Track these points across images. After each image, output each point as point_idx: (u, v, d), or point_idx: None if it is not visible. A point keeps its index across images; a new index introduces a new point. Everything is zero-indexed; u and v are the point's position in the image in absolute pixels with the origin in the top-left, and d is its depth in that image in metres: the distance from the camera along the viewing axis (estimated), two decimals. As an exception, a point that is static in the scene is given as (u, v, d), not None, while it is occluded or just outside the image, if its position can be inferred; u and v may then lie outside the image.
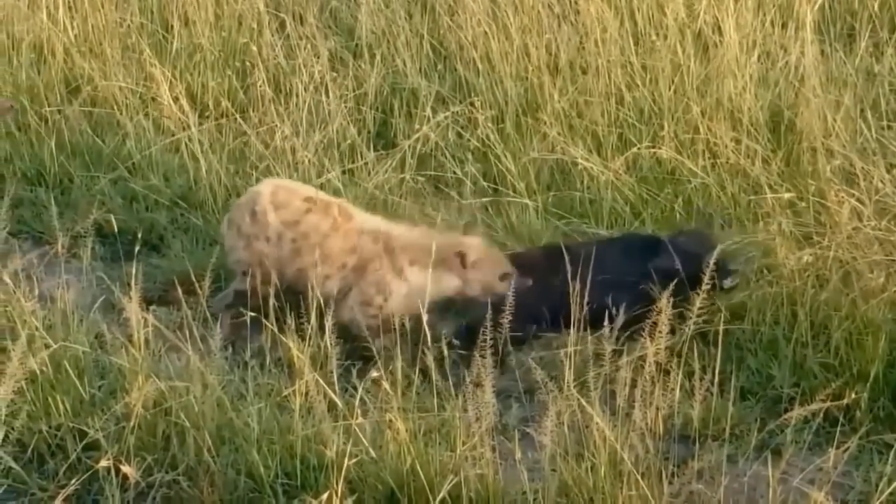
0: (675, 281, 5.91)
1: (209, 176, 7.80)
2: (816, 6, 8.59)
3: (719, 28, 8.54)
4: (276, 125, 8.10)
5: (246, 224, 6.58)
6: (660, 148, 7.64)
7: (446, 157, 7.88)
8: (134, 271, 6.05)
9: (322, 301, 6.19)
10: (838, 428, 5.69)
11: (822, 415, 5.68)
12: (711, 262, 5.68)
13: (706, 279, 5.54)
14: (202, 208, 7.72)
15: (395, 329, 6.04)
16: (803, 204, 6.98)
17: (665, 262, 6.29)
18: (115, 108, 8.57)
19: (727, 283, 6.29)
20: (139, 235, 6.73)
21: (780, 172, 7.40)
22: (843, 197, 6.61)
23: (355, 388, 5.67)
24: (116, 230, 7.09)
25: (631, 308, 6.07)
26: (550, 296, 6.29)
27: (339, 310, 6.36)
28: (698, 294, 5.54)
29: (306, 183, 7.45)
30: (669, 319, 5.52)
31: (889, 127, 7.69)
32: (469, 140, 8.07)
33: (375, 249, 6.45)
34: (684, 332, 5.70)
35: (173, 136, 8.21)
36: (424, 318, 5.92)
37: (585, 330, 5.99)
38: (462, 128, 8.13)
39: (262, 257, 6.53)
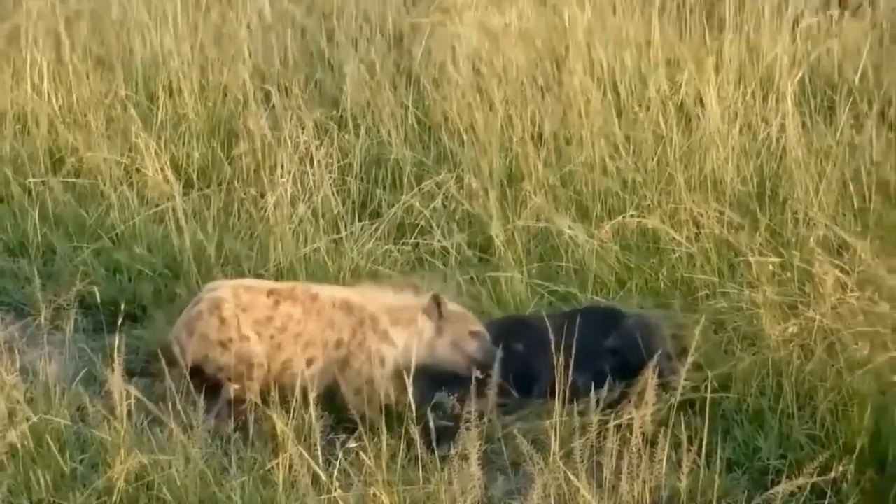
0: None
1: (193, 246, 7.78)
2: (796, 79, 8.66)
3: (701, 100, 8.60)
4: (261, 196, 8.11)
5: (214, 330, 6.35)
6: (645, 217, 7.66)
7: (432, 227, 7.89)
8: (117, 343, 6.00)
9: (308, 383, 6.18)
10: (826, 500, 5.65)
11: (809, 487, 5.63)
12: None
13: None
14: (186, 279, 7.68)
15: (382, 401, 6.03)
16: (788, 274, 6.99)
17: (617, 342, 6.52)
18: (100, 178, 8.56)
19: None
20: (122, 307, 6.68)
21: (763, 242, 7.41)
22: (827, 268, 6.61)
23: (340, 461, 5.61)
24: (99, 301, 7.04)
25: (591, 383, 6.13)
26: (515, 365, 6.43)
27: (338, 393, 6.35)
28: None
29: (288, 255, 7.48)
30: (655, 389, 5.50)
31: (871, 198, 7.73)
32: (455, 209, 8.08)
33: (351, 321, 6.43)
34: (670, 401, 5.68)
35: (157, 206, 8.20)
36: (409, 388, 5.89)
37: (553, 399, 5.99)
38: (447, 197, 8.14)
39: (242, 357, 6.32)
